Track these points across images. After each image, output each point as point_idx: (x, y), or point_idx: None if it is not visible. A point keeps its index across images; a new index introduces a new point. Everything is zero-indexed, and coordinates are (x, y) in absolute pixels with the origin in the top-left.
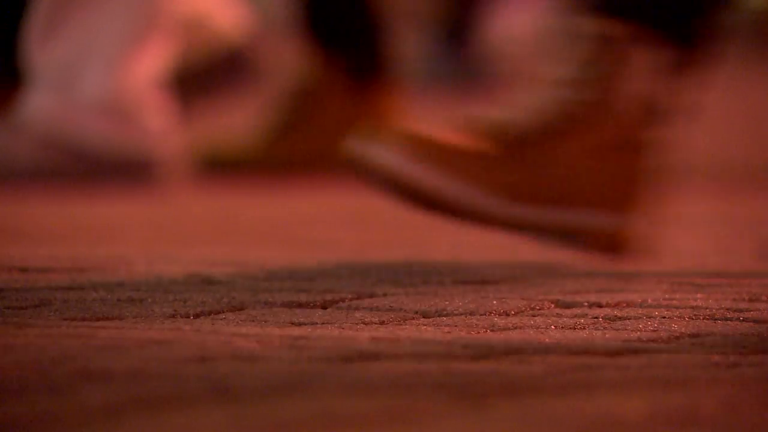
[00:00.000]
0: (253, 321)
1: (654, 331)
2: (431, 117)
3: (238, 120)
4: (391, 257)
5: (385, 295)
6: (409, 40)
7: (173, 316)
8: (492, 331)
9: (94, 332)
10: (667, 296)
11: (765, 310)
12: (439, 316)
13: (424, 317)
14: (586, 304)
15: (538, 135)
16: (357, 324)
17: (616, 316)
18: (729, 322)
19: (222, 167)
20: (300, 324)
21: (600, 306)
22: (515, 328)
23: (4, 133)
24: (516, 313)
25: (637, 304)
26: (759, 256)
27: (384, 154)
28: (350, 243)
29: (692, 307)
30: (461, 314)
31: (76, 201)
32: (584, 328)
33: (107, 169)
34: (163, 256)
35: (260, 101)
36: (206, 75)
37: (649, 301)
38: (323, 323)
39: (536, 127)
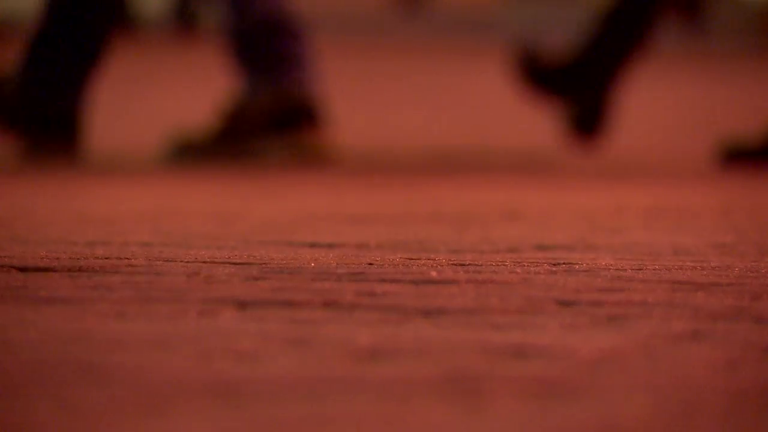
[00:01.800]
0: (253, 321)
1: (654, 331)
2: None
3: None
4: (391, 257)
5: (385, 294)
6: None
7: (173, 315)
8: (492, 330)
9: (94, 332)
10: (667, 296)
11: (766, 310)
12: (440, 315)
13: (424, 317)
14: (586, 303)
15: None
16: (357, 324)
17: (616, 315)
18: (730, 321)
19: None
20: (300, 324)
21: (600, 305)
22: (516, 327)
23: None
24: (517, 312)
25: (637, 304)
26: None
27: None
28: (350, 243)
29: (692, 307)
30: (462, 313)
31: (76, 197)
32: (585, 328)
33: None
34: (163, 256)
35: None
36: None
37: (649, 300)
38: (323, 323)
39: None
